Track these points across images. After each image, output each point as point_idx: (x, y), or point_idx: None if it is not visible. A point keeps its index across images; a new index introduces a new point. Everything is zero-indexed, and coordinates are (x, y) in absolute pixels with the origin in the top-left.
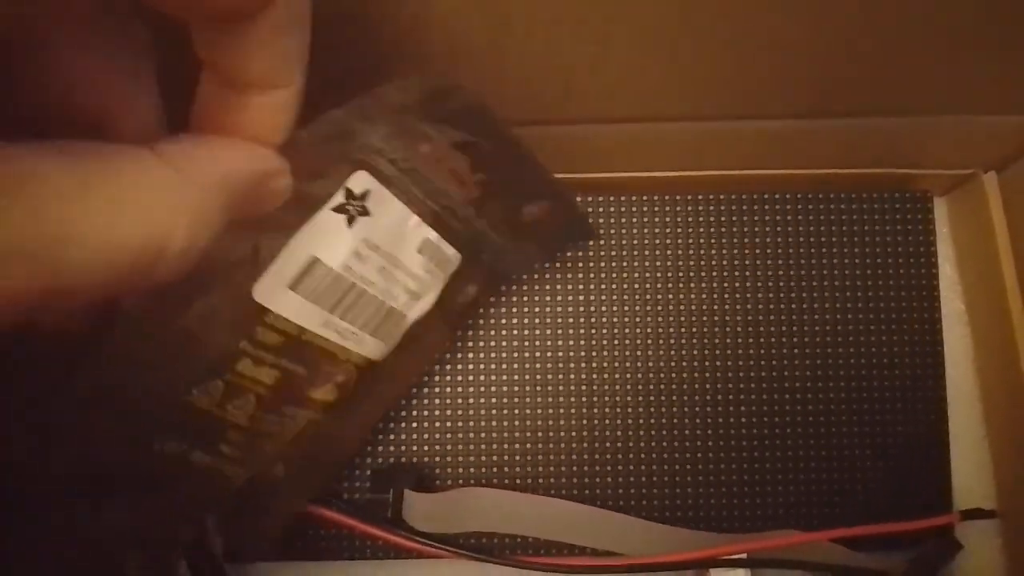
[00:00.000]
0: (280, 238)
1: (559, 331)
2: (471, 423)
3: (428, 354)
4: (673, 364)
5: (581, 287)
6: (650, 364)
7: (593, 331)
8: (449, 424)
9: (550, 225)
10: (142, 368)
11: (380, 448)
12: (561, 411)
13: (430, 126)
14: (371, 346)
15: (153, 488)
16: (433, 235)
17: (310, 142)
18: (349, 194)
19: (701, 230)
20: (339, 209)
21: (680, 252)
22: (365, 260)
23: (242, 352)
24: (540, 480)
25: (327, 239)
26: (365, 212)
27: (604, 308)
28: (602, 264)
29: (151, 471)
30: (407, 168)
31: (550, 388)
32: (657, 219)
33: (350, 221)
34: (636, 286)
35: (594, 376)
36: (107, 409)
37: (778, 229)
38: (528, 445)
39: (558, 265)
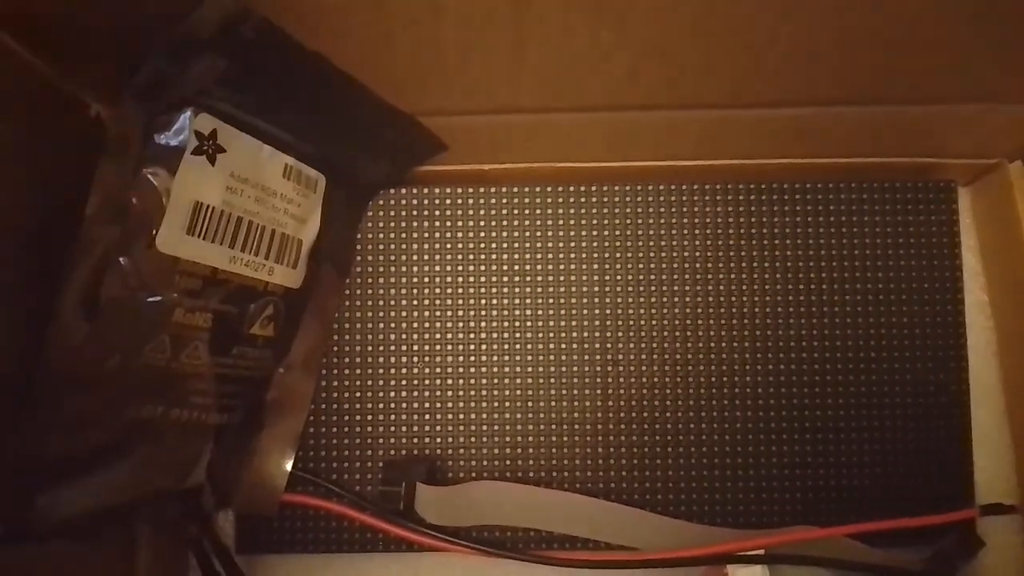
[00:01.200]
0: (159, 194)
1: (574, 323)
2: (483, 415)
3: (333, 288)
4: (690, 356)
5: (597, 278)
6: (666, 357)
7: (608, 323)
8: (462, 416)
9: (399, 142)
10: (98, 344)
11: (392, 440)
12: (576, 404)
13: (234, 59)
14: (281, 273)
15: (139, 453)
16: (290, 160)
17: (136, 99)
18: (200, 136)
19: (721, 220)
20: (197, 151)
21: (700, 242)
22: (239, 192)
23: (172, 303)
24: (554, 474)
25: (199, 181)
26: (221, 149)
27: (620, 299)
28: (618, 255)
29: (134, 437)
30: (240, 103)
31: (564, 381)
32: (675, 209)
33: (211, 160)
34: (654, 277)
35: (609, 369)
36: (79, 387)
37: (799, 219)
38: (542, 439)
39: (571, 255)
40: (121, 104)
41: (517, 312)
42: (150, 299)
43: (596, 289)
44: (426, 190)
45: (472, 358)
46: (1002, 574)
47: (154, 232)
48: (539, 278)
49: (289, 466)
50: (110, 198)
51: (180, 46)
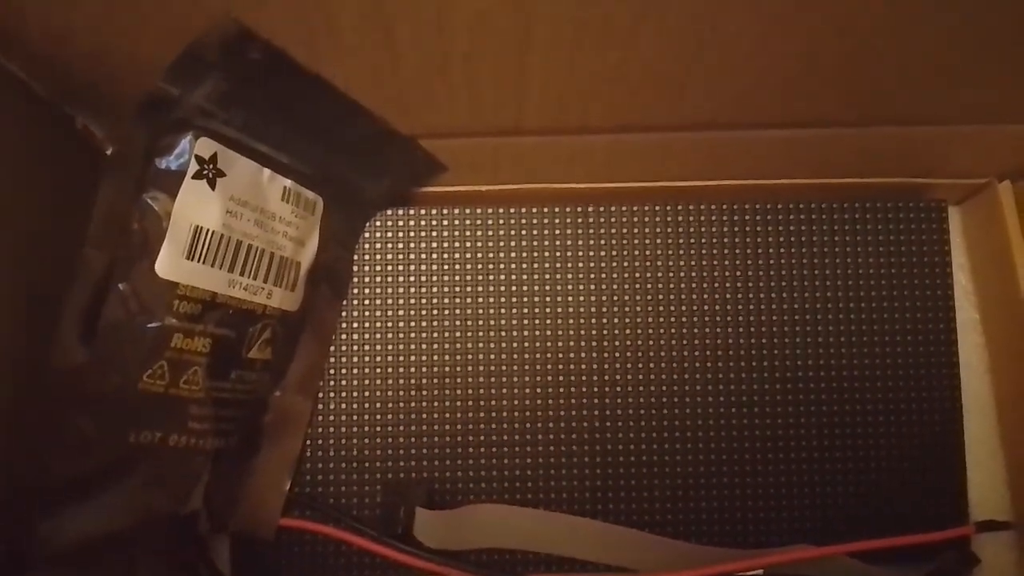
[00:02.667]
0: (159, 218)
1: (572, 344)
2: (482, 437)
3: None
4: (686, 377)
5: (595, 299)
6: (663, 377)
7: (607, 344)
8: (460, 439)
9: (398, 164)
10: (96, 368)
11: (390, 464)
12: (573, 425)
13: (236, 81)
14: (279, 297)
15: (138, 478)
16: (289, 182)
17: (138, 120)
18: (200, 160)
19: (715, 241)
20: (197, 176)
21: (694, 263)
22: (239, 216)
23: (170, 328)
24: (552, 495)
25: (199, 206)
26: (221, 173)
27: (616, 320)
28: (615, 275)
29: (132, 462)
30: (241, 126)
31: (563, 402)
32: (670, 229)
33: (212, 184)
34: (649, 297)
35: (607, 390)
36: (77, 412)
37: (792, 239)
38: (540, 460)
39: (569, 276)
40: (123, 125)
41: (515, 333)
42: (149, 324)
43: (594, 310)
44: (423, 211)
45: (470, 380)
46: None
47: (154, 257)
48: (537, 299)
49: (286, 489)
50: (111, 222)
51: (183, 68)
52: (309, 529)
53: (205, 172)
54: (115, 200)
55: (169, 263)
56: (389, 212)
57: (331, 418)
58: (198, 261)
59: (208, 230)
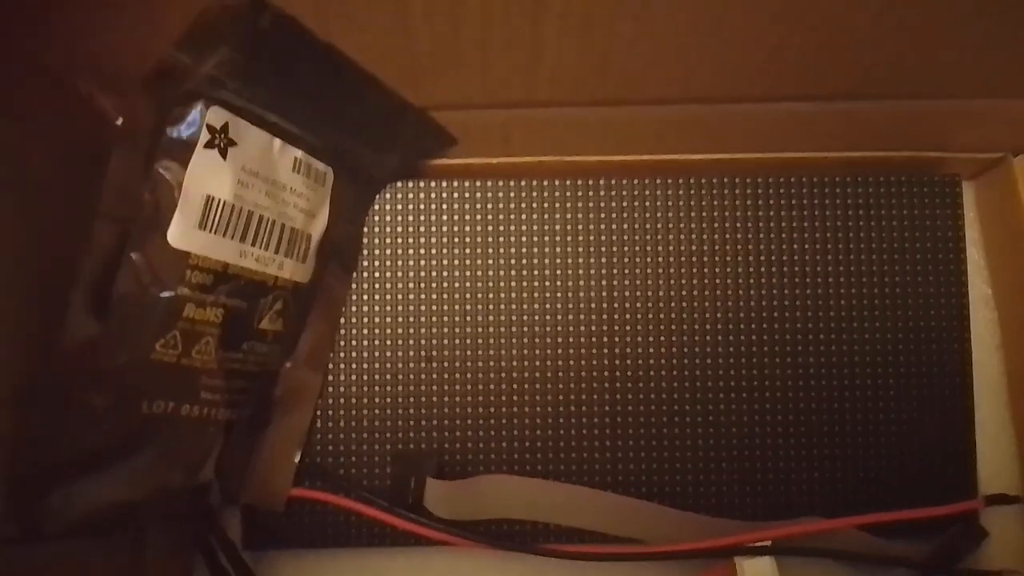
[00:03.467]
0: (171, 188)
1: (582, 316)
2: (492, 409)
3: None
4: (697, 350)
5: (604, 271)
6: (673, 350)
7: (616, 316)
8: (470, 411)
9: (408, 136)
10: (109, 340)
11: (400, 435)
12: (583, 397)
13: (247, 51)
14: (291, 268)
15: (150, 450)
16: (299, 153)
17: (148, 90)
18: (212, 130)
19: (727, 214)
20: (209, 145)
21: (706, 237)
22: (250, 187)
23: (183, 298)
24: (562, 466)
25: (211, 175)
26: (232, 143)
27: (628, 293)
28: (626, 248)
29: (145, 433)
30: (253, 96)
31: (572, 374)
32: (682, 203)
33: (223, 154)
34: (660, 271)
35: (616, 362)
36: (90, 384)
37: (804, 213)
38: (550, 432)
39: (580, 249)
40: (133, 95)
41: (525, 306)
42: (162, 295)
43: (604, 282)
44: (433, 183)
45: (480, 352)
46: (1005, 562)
47: (166, 227)
48: (547, 271)
49: (296, 461)
50: (122, 193)
51: (195, 37)
52: (320, 499)
53: (216, 142)
54: (126, 171)
55: (181, 233)
56: (399, 184)
57: (341, 390)
58: (210, 231)
59: (220, 200)
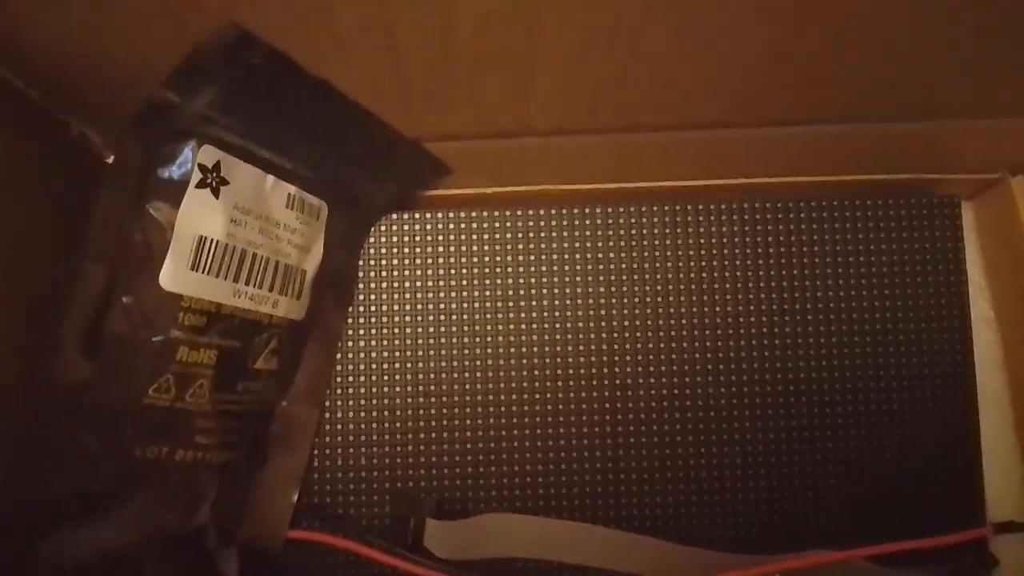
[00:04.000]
0: (163, 229)
1: (580, 347)
2: (491, 444)
3: (336, 315)
4: (698, 380)
5: (602, 300)
6: (674, 380)
7: (616, 346)
8: (469, 446)
9: (403, 167)
10: (100, 383)
11: (399, 472)
12: (584, 431)
13: (238, 87)
14: (285, 305)
15: (144, 495)
16: (293, 189)
17: (138, 128)
18: (203, 169)
19: (724, 240)
20: (201, 185)
21: (704, 263)
22: (243, 225)
23: (176, 341)
24: (564, 502)
25: (203, 215)
26: (225, 181)
27: (627, 323)
28: (623, 276)
29: (139, 478)
30: (244, 132)
31: (572, 407)
32: (679, 230)
33: (215, 193)
34: (659, 299)
35: (617, 394)
36: (82, 428)
37: (803, 238)
38: (551, 467)
39: (578, 279)
40: (122, 134)
41: (523, 337)
42: (154, 338)
43: (602, 312)
44: (428, 214)
45: (479, 385)
46: None
47: (158, 269)
48: (544, 301)
49: (294, 500)
50: (112, 233)
51: (184, 75)
52: (318, 541)
53: (208, 181)
54: (115, 211)
55: (173, 275)
56: (394, 216)
57: (338, 427)
58: (203, 272)
59: (212, 240)
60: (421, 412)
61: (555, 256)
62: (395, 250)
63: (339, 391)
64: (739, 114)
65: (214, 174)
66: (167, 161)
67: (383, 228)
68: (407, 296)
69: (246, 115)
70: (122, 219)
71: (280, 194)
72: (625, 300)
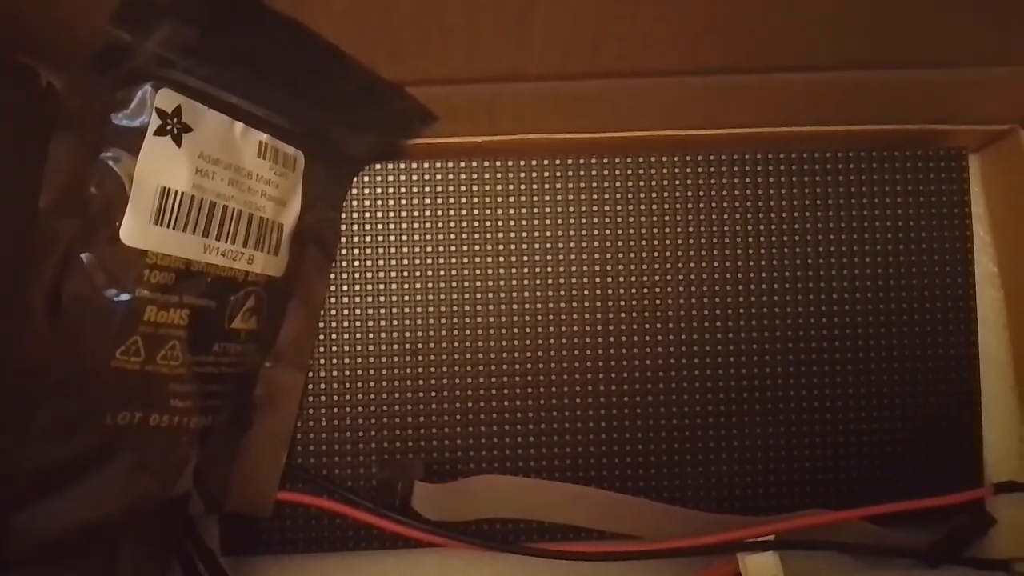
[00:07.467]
0: (121, 180)
1: (575, 304)
2: (481, 404)
3: (318, 272)
4: (696, 336)
5: (597, 255)
6: (671, 338)
7: (610, 303)
8: (459, 405)
9: (384, 114)
10: (64, 348)
11: (386, 433)
12: (578, 390)
13: (197, 25)
14: (262, 262)
15: (119, 463)
16: (265, 136)
17: (86, 71)
18: (162, 114)
19: (724, 192)
20: (160, 132)
21: (703, 216)
22: (210, 175)
23: (142, 301)
24: (556, 462)
25: (164, 165)
26: (187, 128)
27: (622, 278)
28: (620, 231)
29: (112, 446)
30: (207, 75)
31: (566, 366)
32: (679, 181)
33: (177, 141)
34: (656, 253)
35: (611, 351)
36: (48, 395)
37: (805, 189)
38: (543, 426)
39: (573, 232)
40: (73, 77)
41: (514, 294)
42: (118, 298)
43: (598, 268)
44: (415, 164)
45: (468, 343)
46: (1013, 550)
47: (117, 224)
48: (536, 257)
49: (282, 464)
50: (66, 186)
51: (139, 11)
52: (304, 502)
53: (169, 127)
54: (69, 161)
55: (135, 230)
56: (378, 166)
57: (322, 386)
58: (168, 226)
59: (176, 191)
60: (408, 371)
61: (549, 209)
62: (380, 203)
63: (323, 349)
64: (747, 59)
65: (175, 120)
66: (121, 106)
67: (366, 179)
68: (393, 251)
69: (209, 57)
70: (77, 170)
71: (251, 142)
72: (621, 255)
